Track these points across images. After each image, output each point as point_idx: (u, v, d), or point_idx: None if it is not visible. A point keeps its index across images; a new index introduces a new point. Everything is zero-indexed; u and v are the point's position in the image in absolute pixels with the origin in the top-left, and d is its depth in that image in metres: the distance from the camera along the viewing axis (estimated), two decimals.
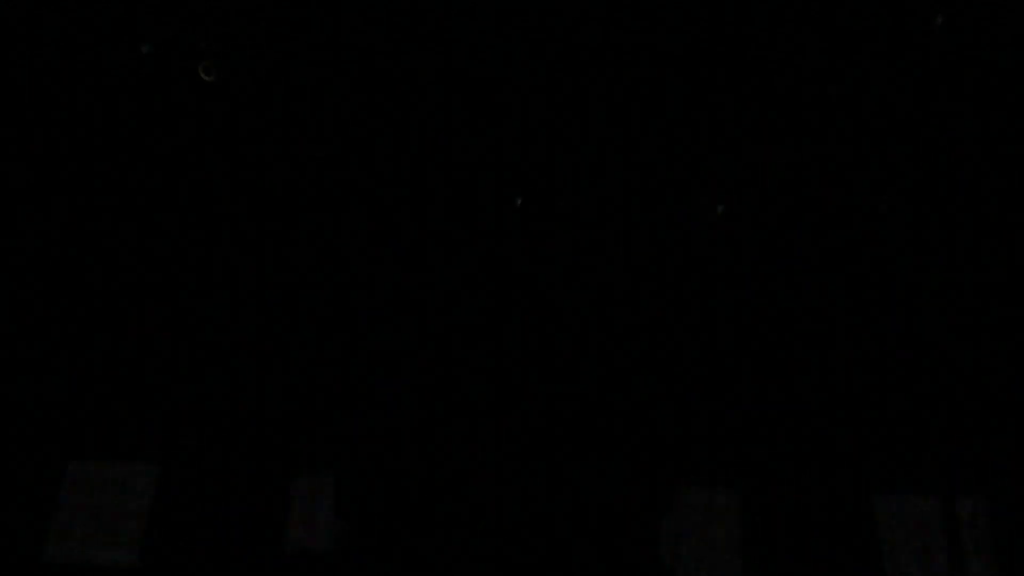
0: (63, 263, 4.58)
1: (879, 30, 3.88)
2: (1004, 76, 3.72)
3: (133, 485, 4.84)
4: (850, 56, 3.97)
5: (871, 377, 4.84)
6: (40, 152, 4.62)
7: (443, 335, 4.93)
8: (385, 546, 4.79)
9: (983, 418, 4.57)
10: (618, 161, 4.54)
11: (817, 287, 4.79)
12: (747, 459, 4.94)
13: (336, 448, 4.88)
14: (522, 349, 5.01)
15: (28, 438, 4.87)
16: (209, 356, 4.92)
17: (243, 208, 4.64)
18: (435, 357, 4.88)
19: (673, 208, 4.59)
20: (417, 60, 4.39)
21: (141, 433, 4.97)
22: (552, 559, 4.71)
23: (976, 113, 3.87)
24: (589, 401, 4.93)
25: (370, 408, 4.96)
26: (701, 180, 4.57)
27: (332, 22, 4.42)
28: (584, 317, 4.95)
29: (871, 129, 4.12)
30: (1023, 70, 3.71)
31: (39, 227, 4.62)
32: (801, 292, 4.86)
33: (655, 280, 4.75)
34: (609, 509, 4.82)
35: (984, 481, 4.61)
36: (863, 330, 4.78)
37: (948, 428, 4.62)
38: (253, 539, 4.79)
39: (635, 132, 4.49)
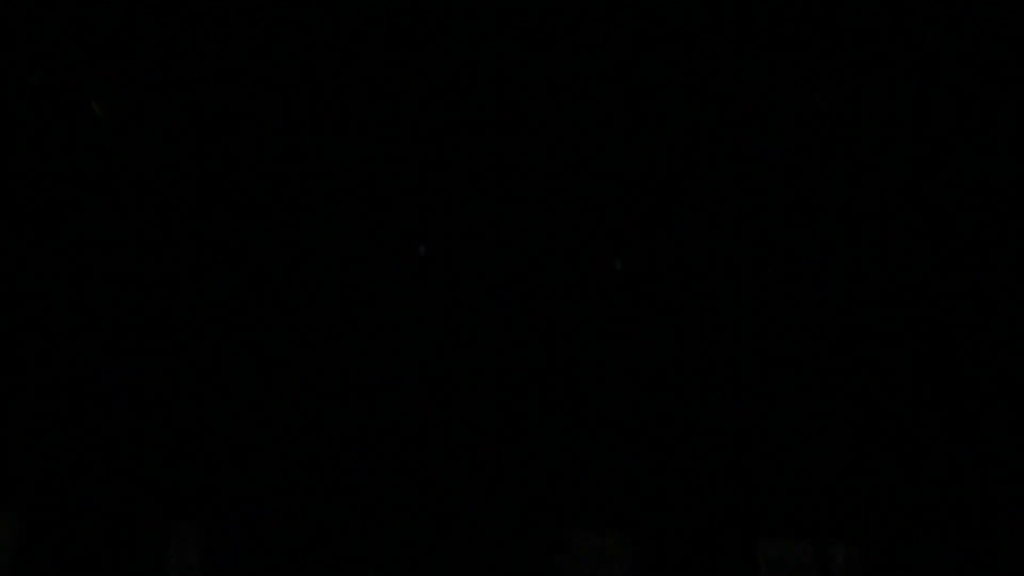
0: None
1: (878, 31, 3.90)
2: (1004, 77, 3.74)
3: None
4: (850, 56, 3.99)
5: (751, 425, 4.96)
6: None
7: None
8: None
9: (859, 464, 4.67)
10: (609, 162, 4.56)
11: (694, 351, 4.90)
12: (637, 504, 5.06)
13: (210, 495, 4.79)
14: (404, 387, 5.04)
15: None
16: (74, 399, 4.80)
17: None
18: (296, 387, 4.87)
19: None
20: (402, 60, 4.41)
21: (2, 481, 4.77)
22: None
23: (976, 113, 3.88)
24: (482, 445, 4.98)
25: (243, 455, 4.89)
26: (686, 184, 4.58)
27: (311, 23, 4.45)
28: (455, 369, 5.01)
29: (871, 129, 4.13)
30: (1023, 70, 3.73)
31: None
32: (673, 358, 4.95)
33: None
34: (505, 553, 4.89)
35: (857, 527, 4.72)
36: (737, 381, 4.91)
37: (824, 474, 4.75)
38: None
39: (635, 131, 4.49)
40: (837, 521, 4.73)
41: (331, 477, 4.95)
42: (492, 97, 4.48)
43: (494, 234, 4.71)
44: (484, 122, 4.56)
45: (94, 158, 4.66)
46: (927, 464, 4.49)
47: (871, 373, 4.55)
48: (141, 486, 4.80)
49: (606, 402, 4.97)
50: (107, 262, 4.59)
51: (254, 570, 4.64)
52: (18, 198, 4.52)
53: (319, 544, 4.82)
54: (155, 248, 4.67)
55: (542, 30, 4.26)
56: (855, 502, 4.67)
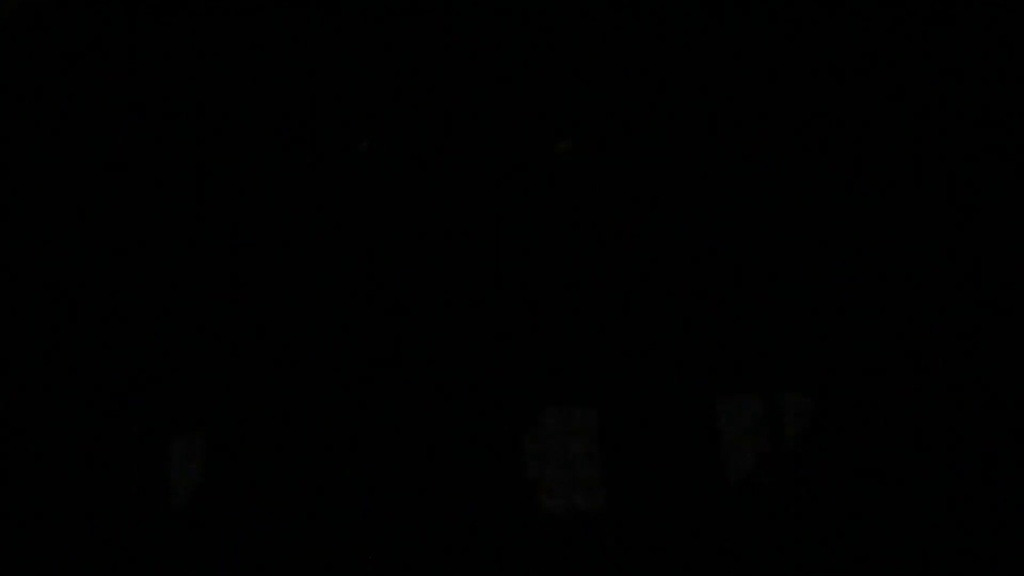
0: None
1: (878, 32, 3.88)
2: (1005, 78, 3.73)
3: None
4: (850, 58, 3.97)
5: (710, 296, 4.96)
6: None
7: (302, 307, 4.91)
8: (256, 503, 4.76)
9: (808, 316, 4.70)
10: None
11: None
12: (602, 378, 5.11)
13: (209, 408, 4.82)
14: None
15: None
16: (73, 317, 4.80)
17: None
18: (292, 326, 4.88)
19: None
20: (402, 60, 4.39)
21: None
22: (420, 480, 4.77)
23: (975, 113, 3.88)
24: (446, 328, 4.99)
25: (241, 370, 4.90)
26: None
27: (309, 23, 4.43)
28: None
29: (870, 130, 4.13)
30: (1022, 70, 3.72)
31: None
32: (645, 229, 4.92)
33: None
34: (476, 432, 4.94)
35: (809, 378, 4.81)
36: (708, 255, 4.88)
37: (776, 327, 4.78)
38: (135, 501, 4.72)
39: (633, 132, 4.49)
40: (787, 374, 4.80)
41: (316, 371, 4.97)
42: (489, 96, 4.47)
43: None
44: (479, 121, 4.55)
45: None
46: (881, 316, 4.52)
47: (814, 235, 4.51)
48: (141, 402, 4.84)
49: (570, 281, 4.98)
50: (104, 188, 4.63)
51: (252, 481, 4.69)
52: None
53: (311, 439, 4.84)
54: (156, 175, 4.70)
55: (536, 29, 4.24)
56: (806, 354, 4.71)
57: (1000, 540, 4.07)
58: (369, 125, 4.53)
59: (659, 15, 4.01)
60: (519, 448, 5.17)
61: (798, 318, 4.69)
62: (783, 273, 4.71)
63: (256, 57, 4.45)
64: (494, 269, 4.92)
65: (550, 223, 4.91)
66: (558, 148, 4.22)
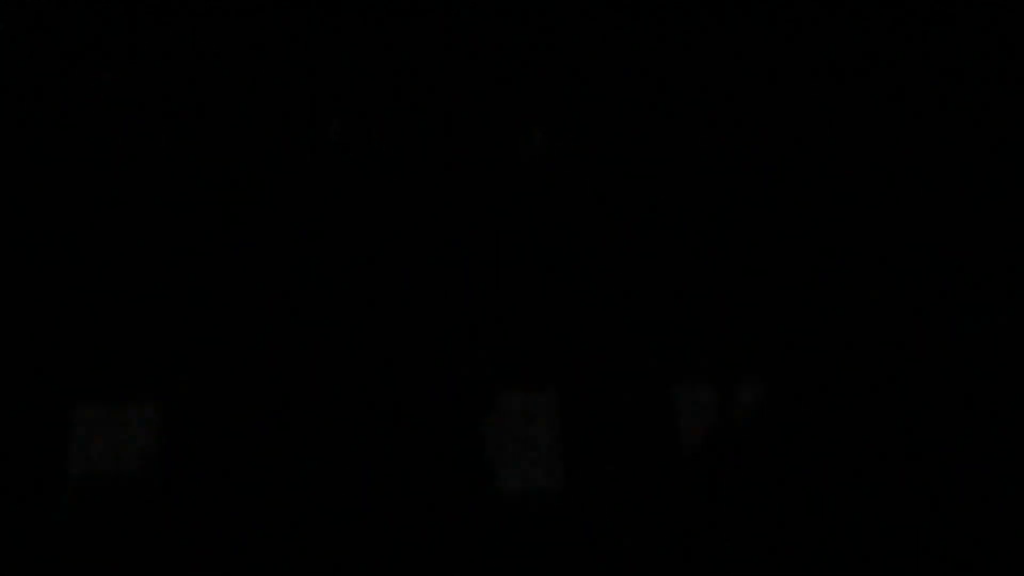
0: None
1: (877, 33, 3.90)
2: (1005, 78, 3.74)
3: None
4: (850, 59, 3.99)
5: (665, 276, 4.98)
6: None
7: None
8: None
9: (763, 305, 4.74)
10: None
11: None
12: (560, 361, 5.12)
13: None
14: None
15: None
16: None
17: None
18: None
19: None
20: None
21: None
22: (377, 468, 4.77)
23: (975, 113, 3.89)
24: (407, 316, 4.99)
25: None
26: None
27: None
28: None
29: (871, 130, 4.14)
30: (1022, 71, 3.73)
31: None
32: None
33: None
34: (432, 416, 4.94)
35: (763, 367, 4.85)
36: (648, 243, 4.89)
37: (732, 317, 4.82)
38: (34, 468, 4.67)
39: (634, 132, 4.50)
40: (742, 362, 4.83)
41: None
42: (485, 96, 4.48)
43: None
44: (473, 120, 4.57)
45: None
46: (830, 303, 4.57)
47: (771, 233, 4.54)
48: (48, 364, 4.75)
49: (527, 265, 5.00)
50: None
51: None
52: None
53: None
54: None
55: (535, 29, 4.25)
56: (759, 343, 4.75)
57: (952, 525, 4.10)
58: (338, 108, 4.54)
59: (638, 14, 4.04)
60: (477, 431, 5.17)
61: (758, 305, 4.73)
62: (743, 260, 4.74)
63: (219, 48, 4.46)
64: (451, 254, 4.93)
65: (508, 209, 4.92)
66: (525, 141, 4.23)
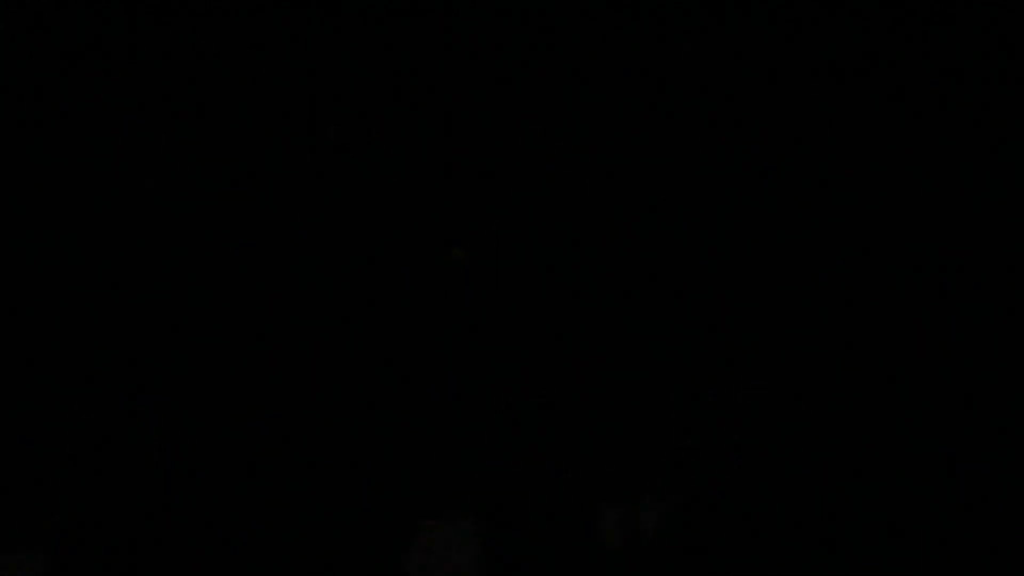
0: None
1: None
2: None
3: None
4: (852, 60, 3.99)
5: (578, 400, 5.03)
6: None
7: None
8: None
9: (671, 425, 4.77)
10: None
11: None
12: (481, 488, 5.17)
13: None
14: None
15: None
16: None
17: None
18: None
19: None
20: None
21: None
22: None
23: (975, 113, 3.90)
24: (326, 440, 4.97)
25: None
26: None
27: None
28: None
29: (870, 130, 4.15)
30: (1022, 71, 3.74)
31: None
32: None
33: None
34: (351, 543, 4.96)
35: (671, 488, 4.88)
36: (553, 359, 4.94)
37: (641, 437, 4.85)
38: None
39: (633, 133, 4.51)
40: (647, 483, 4.83)
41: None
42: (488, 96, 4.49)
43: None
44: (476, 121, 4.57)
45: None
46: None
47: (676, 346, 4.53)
48: None
49: (443, 391, 4.99)
50: None
51: None
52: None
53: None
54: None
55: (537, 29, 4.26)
56: (665, 463, 4.74)
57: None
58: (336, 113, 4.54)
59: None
60: (399, 562, 5.22)
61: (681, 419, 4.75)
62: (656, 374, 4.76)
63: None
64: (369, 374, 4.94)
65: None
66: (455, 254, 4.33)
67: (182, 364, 4.66)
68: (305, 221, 4.81)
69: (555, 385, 4.93)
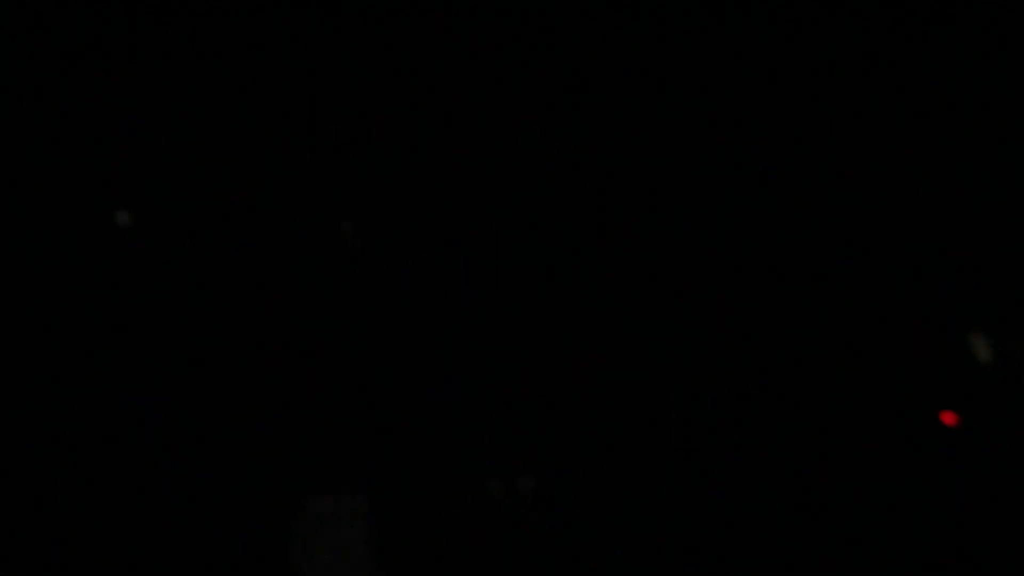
0: None
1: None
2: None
3: None
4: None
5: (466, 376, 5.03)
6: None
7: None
8: None
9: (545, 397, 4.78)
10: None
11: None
12: (370, 465, 5.20)
13: None
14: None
15: None
16: None
17: None
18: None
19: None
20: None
21: None
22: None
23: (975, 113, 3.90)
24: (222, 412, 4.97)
25: None
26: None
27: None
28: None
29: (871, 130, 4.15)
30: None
31: None
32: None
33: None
34: (240, 520, 4.96)
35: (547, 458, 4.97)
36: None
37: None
38: None
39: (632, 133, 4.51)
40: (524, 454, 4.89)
41: None
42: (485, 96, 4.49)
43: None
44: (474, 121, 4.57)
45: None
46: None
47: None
48: None
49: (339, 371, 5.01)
50: None
51: None
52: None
53: None
54: None
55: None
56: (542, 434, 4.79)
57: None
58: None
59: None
60: (286, 535, 5.22)
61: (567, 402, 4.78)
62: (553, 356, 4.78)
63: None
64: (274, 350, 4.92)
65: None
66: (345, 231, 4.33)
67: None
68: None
69: (440, 367, 4.99)
